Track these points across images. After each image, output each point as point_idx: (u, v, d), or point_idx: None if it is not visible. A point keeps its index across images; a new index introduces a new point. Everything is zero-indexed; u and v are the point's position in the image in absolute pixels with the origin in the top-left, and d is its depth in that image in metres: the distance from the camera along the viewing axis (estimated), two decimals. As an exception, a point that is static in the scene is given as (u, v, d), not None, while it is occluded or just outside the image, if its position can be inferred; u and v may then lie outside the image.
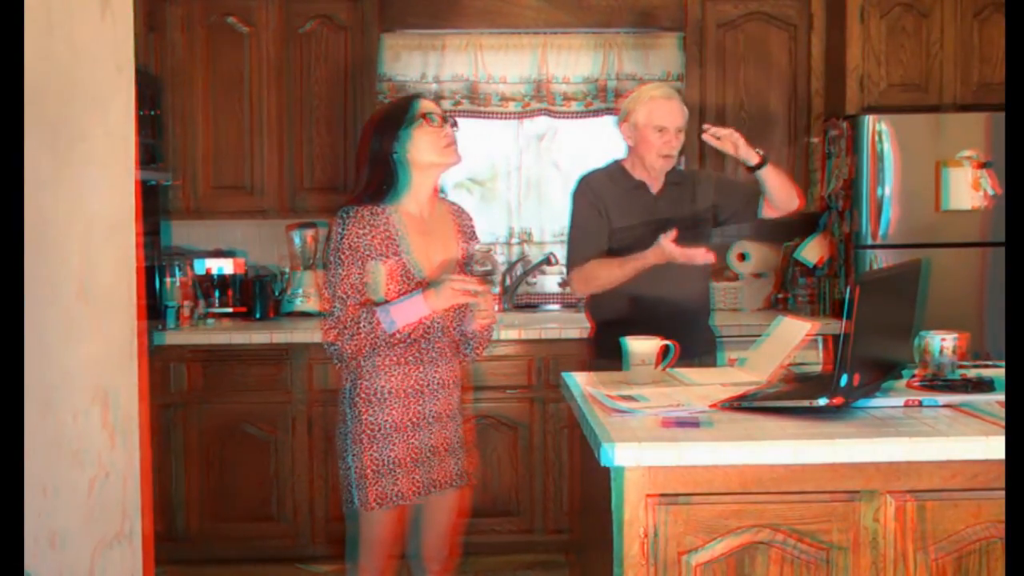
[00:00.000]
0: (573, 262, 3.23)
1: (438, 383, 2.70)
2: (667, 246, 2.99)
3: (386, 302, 2.60)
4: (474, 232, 2.85)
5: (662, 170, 3.22)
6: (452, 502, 2.78)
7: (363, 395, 2.65)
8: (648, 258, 3.03)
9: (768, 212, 3.30)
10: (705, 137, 3.10)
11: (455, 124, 2.71)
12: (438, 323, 2.67)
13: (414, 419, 2.66)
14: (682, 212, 3.21)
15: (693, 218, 3.22)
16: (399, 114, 2.67)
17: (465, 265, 2.78)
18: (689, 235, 3.10)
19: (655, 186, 3.24)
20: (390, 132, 2.65)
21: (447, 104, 4.55)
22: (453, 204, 2.85)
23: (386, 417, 2.64)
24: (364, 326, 2.57)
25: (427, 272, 2.65)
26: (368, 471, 2.62)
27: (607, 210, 3.19)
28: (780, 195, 3.21)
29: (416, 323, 2.62)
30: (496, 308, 2.75)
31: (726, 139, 3.09)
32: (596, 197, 3.21)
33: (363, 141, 2.72)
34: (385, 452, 2.63)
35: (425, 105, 2.68)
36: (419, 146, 2.64)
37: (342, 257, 2.60)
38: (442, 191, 2.81)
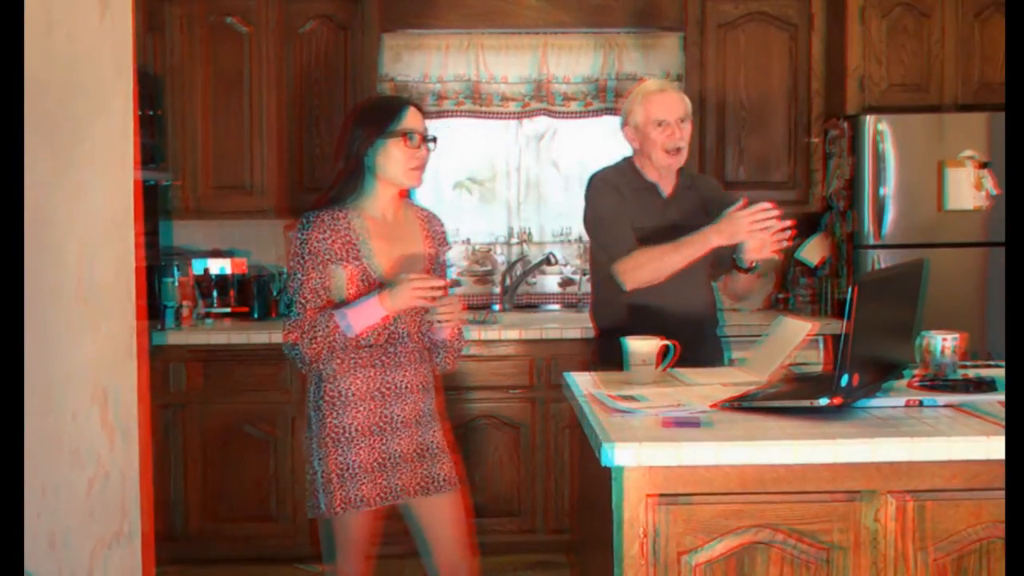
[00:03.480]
0: (617, 255, 3.04)
1: (403, 387, 2.68)
2: (738, 218, 2.82)
3: (346, 303, 2.61)
4: (445, 238, 2.83)
5: (672, 167, 3.11)
6: (444, 510, 2.73)
7: (327, 398, 2.65)
8: (711, 239, 2.87)
9: (718, 286, 3.28)
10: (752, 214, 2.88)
11: (434, 140, 2.69)
12: (402, 327, 2.66)
13: (378, 423, 2.65)
14: (695, 219, 3.02)
15: (702, 227, 3.00)
16: (382, 119, 2.64)
17: (434, 270, 2.75)
18: None
19: (667, 188, 3.15)
20: (369, 135, 2.63)
21: (448, 104, 4.55)
22: (424, 210, 2.84)
23: (349, 421, 2.63)
24: (321, 330, 2.58)
25: (390, 278, 2.63)
26: (333, 475, 2.62)
27: (629, 202, 3.09)
28: (740, 294, 3.23)
29: (376, 325, 2.61)
30: (461, 311, 2.70)
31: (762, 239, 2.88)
32: (616, 191, 3.11)
33: (343, 129, 2.70)
34: (348, 456, 2.62)
35: (409, 121, 2.64)
36: (388, 159, 2.63)
37: (302, 262, 2.61)
38: (411, 196, 2.78)
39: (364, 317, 2.58)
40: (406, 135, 2.62)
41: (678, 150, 3.08)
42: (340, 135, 2.70)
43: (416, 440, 2.70)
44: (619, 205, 3.10)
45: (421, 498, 2.70)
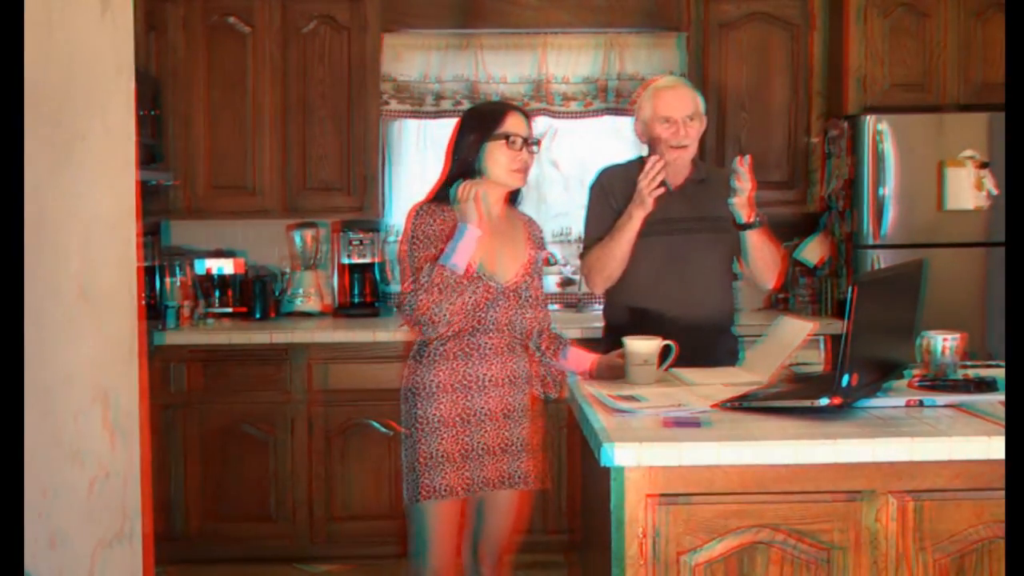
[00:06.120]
0: (582, 256, 3.16)
1: (488, 380, 2.72)
2: (643, 188, 2.90)
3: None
4: (543, 242, 2.94)
5: (679, 163, 3.08)
6: (509, 503, 2.81)
7: (416, 389, 2.72)
8: (632, 214, 2.94)
9: (740, 268, 3.19)
10: (736, 166, 2.92)
11: (537, 143, 2.79)
12: (491, 315, 2.71)
13: (462, 414, 2.70)
14: (699, 211, 3.08)
15: (712, 219, 3.08)
16: (487, 124, 2.74)
17: (532, 271, 2.83)
18: (705, 237, 3.05)
19: (674, 183, 3.10)
20: (475, 139, 2.74)
21: (447, 104, 4.55)
22: (524, 214, 2.93)
23: (434, 411, 2.69)
24: (424, 277, 2.62)
25: (490, 270, 2.71)
26: (418, 464, 2.68)
27: (619, 206, 3.08)
28: (757, 265, 3.07)
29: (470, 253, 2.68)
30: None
31: (741, 184, 2.92)
32: (608, 192, 3.14)
33: (453, 134, 2.80)
34: (433, 445, 2.68)
35: (511, 125, 2.74)
36: (492, 162, 2.73)
37: (416, 244, 2.69)
38: (516, 200, 2.89)
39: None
40: (507, 138, 2.71)
41: (683, 147, 3.06)
42: (450, 139, 2.80)
43: (503, 434, 2.74)
44: (602, 208, 3.13)
45: (498, 490, 2.76)
